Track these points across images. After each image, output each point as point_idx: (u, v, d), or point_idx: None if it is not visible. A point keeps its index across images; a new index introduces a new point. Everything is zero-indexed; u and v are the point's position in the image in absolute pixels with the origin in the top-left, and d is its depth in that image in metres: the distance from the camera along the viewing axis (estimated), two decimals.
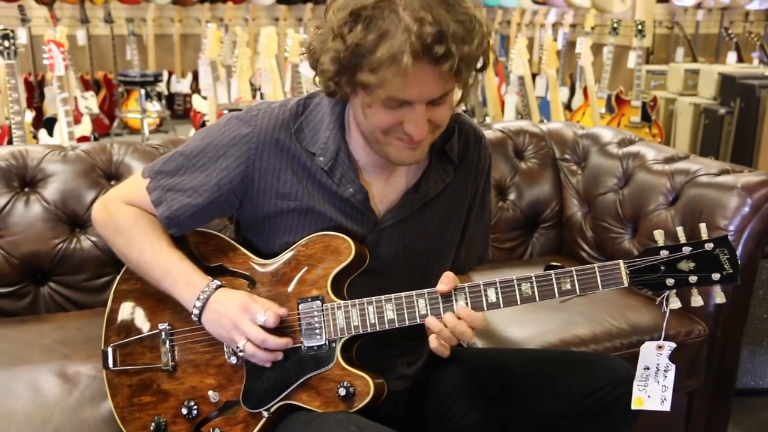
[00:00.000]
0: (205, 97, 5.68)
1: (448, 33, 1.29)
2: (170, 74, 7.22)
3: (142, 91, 6.26)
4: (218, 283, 1.52)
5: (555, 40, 6.39)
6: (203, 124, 5.28)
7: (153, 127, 6.63)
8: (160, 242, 1.57)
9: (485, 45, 1.37)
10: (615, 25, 5.62)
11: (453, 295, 1.43)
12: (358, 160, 1.54)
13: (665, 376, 1.49)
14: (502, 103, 5.24)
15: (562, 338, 2.05)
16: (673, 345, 1.48)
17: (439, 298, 1.44)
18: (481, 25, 1.36)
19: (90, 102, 6.11)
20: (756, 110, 4.55)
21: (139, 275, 1.63)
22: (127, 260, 1.62)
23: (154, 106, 6.69)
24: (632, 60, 5.45)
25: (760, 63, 6.26)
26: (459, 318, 1.43)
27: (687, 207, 2.28)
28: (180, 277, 1.54)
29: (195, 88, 7.22)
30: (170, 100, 7.15)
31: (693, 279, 1.36)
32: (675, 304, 1.37)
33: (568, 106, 6.15)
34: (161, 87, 6.94)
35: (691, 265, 1.37)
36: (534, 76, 5.66)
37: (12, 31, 3.63)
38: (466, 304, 1.42)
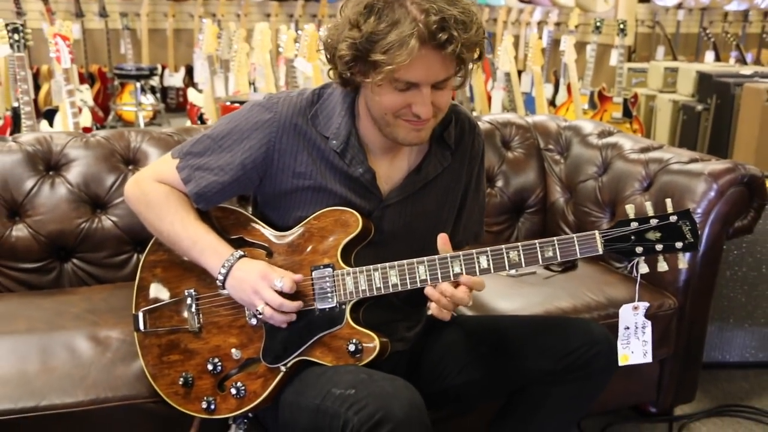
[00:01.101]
0: (201, 91, 5.75)
1: (450, 21, 1.46)
2: (163, 68, 7.26)
3: (138, 85, 6.35)
4: (241, 253, 1.67)
5: (540, 38, 6.47)
6: (200, 117, 5.42)
7: (147, 120, 6.66)
8: (189, 216, 1.72)
9: (482, 34, 1.55)
10: (598, 24, 5.69)
11: (449, 262, 1.58)
12: (367, 144, 1.69)
13: (644, 332, 1.68)
14: (489, 99, 5.33)
15: (546, 309, 2.18)
16: (647, 304, 1.66)
17: (437, 264, 1.58)
18: (477, 17, 1.55)
19: (85, 95, 6.17)
20: (731, 107, 4.64)
21: (168, 246, 1.78)
22: (158, 233, 1.76)
23: (148, 99, 6.75)
24: (614, 58, 5.55)
25: (737, 62, 6.40)
26: (457, 285, 1.58)
27: (660, 192, 2.38)
28: (207, 247, 1.69)
29: (188, 82, 7.27)
30: (164, 93, 7.21)
31: (659, 247, 1.54)
32: (644, 269, 1.55)
33: (552, 102, 6.23)
34: (155, 81, 7.04)
35: (658, 235, 1.54)
36: (520, 72, 5.73)
37: (22, 25, 3.75)
38: (461, 269, 1.56)
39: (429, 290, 1.58)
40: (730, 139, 4.66)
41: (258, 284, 1.63)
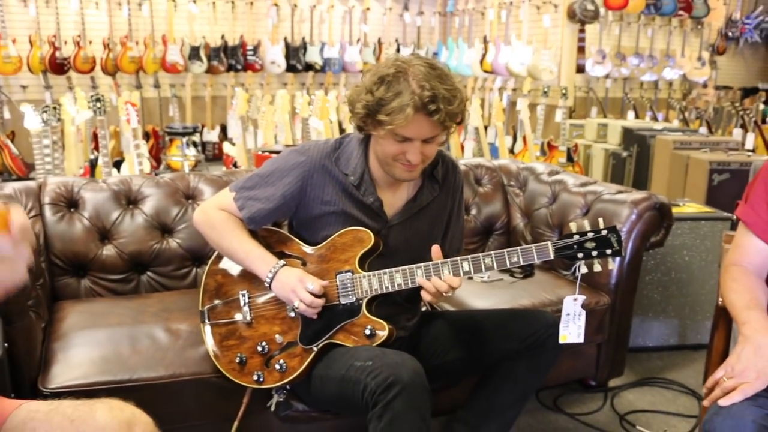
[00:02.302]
0: (234, 144, 5.81)
1: (439, 96, 1.57)
2: (203, 127, 7.25)
3: (183, 140, 6.38)
4: (283, 262, 1.75)
5: (501, 100, 6.53)
6: (235, 164, 5.48)
7: (190, 168, 6.63)
8: (243, 235, 1.80)
9: (463, 106, 1.66)
10: (545, 89, 5.70)
11: (440, 266, 1.66)
12: (376, 180, 1.79)
13: (579, 319, 1.77)
14: (462, 148, 5.44)
15: (512, 305, 2.23)
16: (584, 297, 1.76)
17: (431, 268, 1.66)
18: (461, 93, 1.66)
19: (143, 148, 6.23)
20: (647, 153, 4.70)
21: (227, 257, 1.87)
22: (219, 248, 1.85)
23: (191, 152, 6.74)
24: (559, 116, 5.52)
25: (651, 119, 6.49)
26: (442, 281, 1.66)
27: (595, 216, 2.30)
28: (257, 258, 1.77)
29: (222, 138, 7.21)
30: (203, 147, 7.22)
31: (594, 253, 1.64)
32: (583, 269, 1.65)
33: (512, 150, 6.20)
34: (196, 137, 7.07)
35: (593, 244, 1.64)
36: (486, 127, 5.76)
37: (102, 95, 3.83)
38: (449, 271, 1.65)
39: (423, 282, 1.65)
40: (648, 177, 4.70)
41: (296, 286, 1.71)
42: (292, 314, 1.77)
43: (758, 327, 1.52)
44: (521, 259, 1.65)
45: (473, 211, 2.80)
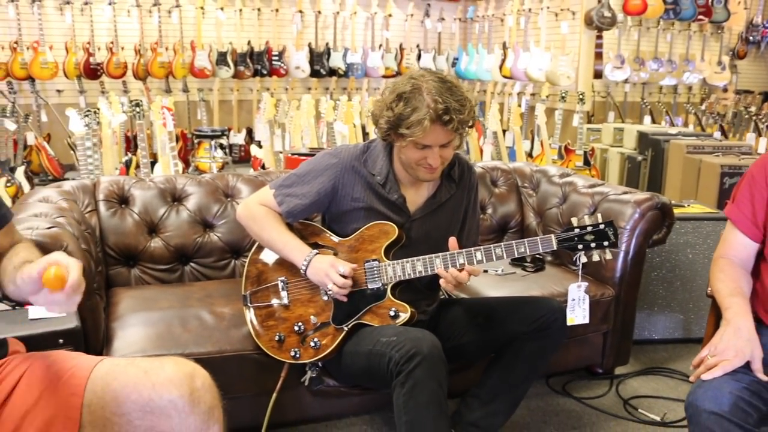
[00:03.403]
0: (261, 147, 6.06)
1: (451, 108, 1.80)
2: (229, 130, 7.45)
3: (211, 143, 6.62)
4: (316, 251, 1.98)
5: (519, 105, 6.67)
6: (262, 166, 5.74)
7: (218, 169, 6.92)
8: (281, 227, 2.04)
9: (473, 113, 1.90)
10: (563, 94, 5.81)
11: (456, 256, 1.88)
12: (400, 179, 2.01)
13: (584, 303, 1.99)
14: (481, 151, 5.65)
15: (523, 295, 2.40)
16: (587, 283, 1.99)
17: (448, 257, 1.88)
18: (470, 101, 1.89)
19: (175, 152, 6.49)
20: (662, 157, 4.84)
21: (266, 247, 2.10)
22: (260, 239, 2.08)
23: (219, 154, 6.99)
24: (576, 120, 5.69)
25: (668, 124, 6.62)
26: (460, 270, 1.88)
27: (602, 215, 2.42)
28: (294, 247, 2.00)
29: (248, 141, 7.39)
30: (230, 149, 7.43)
31: (593, 245, 1.86)
32: (583, 259, 1.87)
33: (530, 154, 6.32)
34: (223, 139, 7.31)
35: (592, 237, 1.86)
36: (504, 131, 5.89)
37: (140, 101, 4.11)
38: (464, 260, 1.87)
39: (441, 271, 1.87)
40: (662, 180, 4.83)
41: (328, 270, 1.94)
42: (325, 298, 2.01)
43: (739, 311, 1.74)
44: (528, 250, 1.87)
45: (489, 210, 3.00)
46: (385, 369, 1.79)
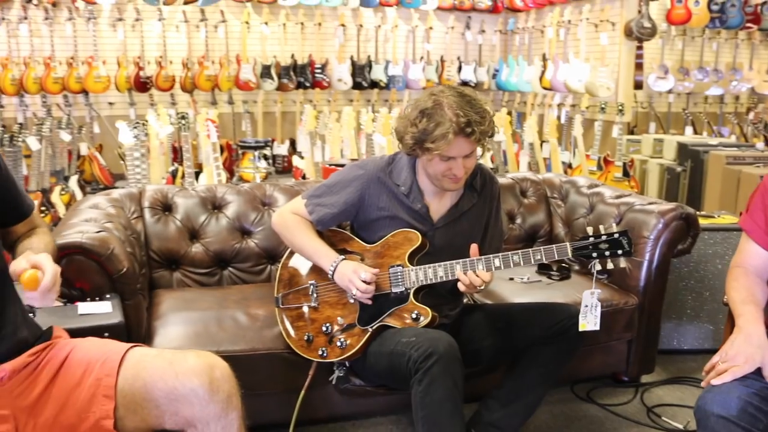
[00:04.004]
0: (303, 158, 6.24)
1: (472, 120, 1.91)
2: (273, 141, 7.53)
3: (255, 153, 6.82)
4: (343, 257, 2.11)
5: (558, 117, 6.78)
6: (303, 176, 5.91)
7: (261, 179, 7.14)
8: (312, 234, 2.18)
9: (492, 124, 2.01)
10: (603, 106, 5.80)
11: (475, 262, 1.99)
12: (423, 189, 2.13)
13: (596, 310, 2.06)
14: (518, 162, 5.72)
15: (542, 302, 2.40)
16: (599, 291, 2.06)
17: (467, 263, 1.99)
18: (489, 113, 1.98)
19: (219, 162, 6.70)
20: (701, 168, 4.83)
21: (298, 253, 2.24)
22: (291, 245, 2.22)
23: (262, 164, 7.18)
24: (615, 131, 5.68)
25: (715, 135, 6.54)
26: (477, 276, 1.98)
27: (626, 224, 2.66)
28: (322, 253, 2.13)
29: (291, 152, 7.50)
30: (273, 160, 7.58)
31: (607, 253, 1.94)
32: (598, 267, 1.95)
33: (570, 165, 6.32)
34: (267, 150, 7.49)
35: (606, 245, 1.94)
36: (542, 142, 5.90)
37: (186, 113, 4.33)
38: (483, 267, 1.97)
39: (460, 274, 1.98)
40: (701, 191, 4.81)
41: (352, 276, 2.06)
42: (352, 300, 2.13)
43: (750, 319, 1.80)
44: (544, 257, 1.97)
45: (518, 220, 3.09)
46: (405, 367, 1.91)
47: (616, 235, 1.96)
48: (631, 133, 6.97)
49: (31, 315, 1.65)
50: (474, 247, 2.02)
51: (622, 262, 1.96)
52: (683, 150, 5.20)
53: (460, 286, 2.00)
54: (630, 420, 2.54)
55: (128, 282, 2.15)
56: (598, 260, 1.97)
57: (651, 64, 6.95)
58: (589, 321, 2.06)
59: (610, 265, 1.97)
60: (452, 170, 2.00)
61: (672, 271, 2.93)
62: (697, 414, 1.72)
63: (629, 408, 2.63)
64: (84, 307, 1.96)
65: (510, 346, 2.18)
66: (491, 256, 2.00)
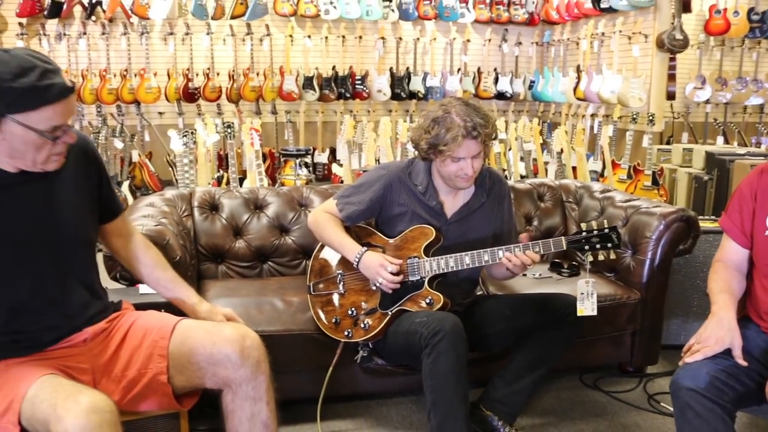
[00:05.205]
0: (341, 165, 6.59)
1: (478, 123, 2.21)
2: (314, 150, 7.85)
3: (297, 161, 7.15)
4: (366, 248, 2.41)
5: (591, 127, 6.94)
6: (341, 182, 6.25)
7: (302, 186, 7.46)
8: (339, 230, 2.49)
9: (495, 127, 2.30)
10: (634, 116, 5.96)
11: (482, 254, 2.28)
12: (438, 188, 2.43)
13: (592, 297, 2.33)
14: (546, 170, 5.91)
15: (545, 292, 2.66)
16: (593, 279, 2.34)
17: (475, 255, 2.28)
18: (491, 118, 2.29)
19: (261, 169, 7.11)
20: (727, 177, 5.01)
21: (327, 246, 2.56)
22: (321, 239, 2.54)
23: (303, 172, 7.51)
24: (645, 141, 5.85)
25: (754, 145, 6.58)
26: (525, 256, 2.25)
27: (632, 225, 2.91)
28: (349, 246, 2.44)
29: (331, 160, 7.79)
30: (314, 167, 7.77)
31: (598, 246, 2.23)
32: (589, 258, 2.25)
33: (601, 174, 6.38)
34: (308, 159, 7.83)
35: (597, 239, 2.23)
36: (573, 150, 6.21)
37: (232, 123, 4.71)
38: (488, 257, 2.26)
39: (509, 255, 2.26)
40: (727, 199, 4.88)
41: (380, 269, 2.36)
42: (374, 288, 2.45)
43: (723, 306, 2.07)
44: (542, 249, 2.27)
45: (535, 223, 3.36)
46: (417, 344, 2.21)
47: (607, 230, 2.24)
48: (668, 143, 7.16)
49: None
50: (524, 235, 2.33)
51: (613, 254, 2.24)
52: (710, 159, 5.38)
53: (507, 263, 2.27)
54: (630, 405, 2.80)
55: (181, 268, 2.49)
56: (590, 252, 2.24)
57: (688, 74, 7.10)
58: (587, 307, 2.33)
59: (601, 257, 2.24)
60: (463, 170, 2.31)
61: (679, 270, 3.19)
62: (672, 387, 2.00)
63: (631, 395, 2.89)
64: (143, 288, 2.33)
65: (515, 331, 2.46)
66: (495, 248, 2.31)
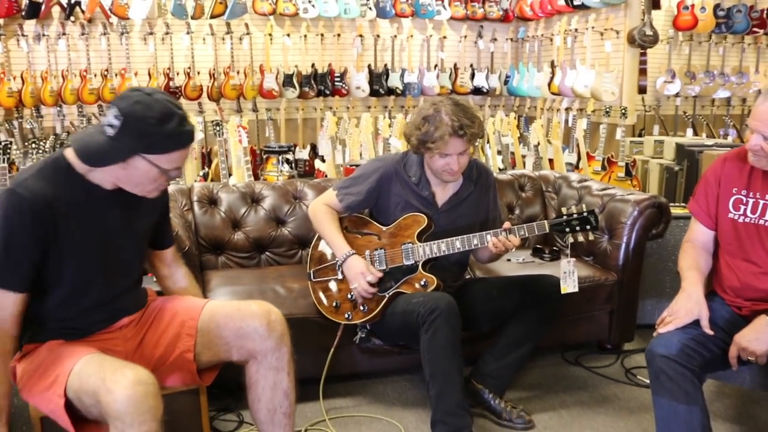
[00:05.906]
0: (324, 161, 6.74)
1: (465, 124, 2.41)
2: (295, 146, 7.90)
3: (278, 158, 7.29)
4: (353, 252, 2.58)
5: (566, 121, 7.18)
6: (325, 176, 6.40)
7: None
8: (333, 225, 2.66)
9: (482, 127, 2.51)
10: (607, 110, 6.13)
11: (471, 238, 2.47)
12: (429, 180, 2.62)
13: (573, 275, 2.54)
14: (524, 162, 6.12)
15: (529, 274, 2.84)
16: (574, 259, 2.55)
17: (465, 239, 2.47)
18: (479, 118, 2.48)
19: (249, 165, 7.17)
20: (697, 167, 5.24)
21: (323, 238, 2.75)
22: (317, 230, 2.71)
23: (285, 168, 7.64)
24: (618, 134, 6.04)
25: (722, 137, 6.86)
26: (508, 240, 2.44)
27: (608, 212, 3.12)
28: (339, 245, 2.62)
29: (312, 156, 7.92)
30: (295, 163, 7.77)
31: (577, 228, 2.45)
32: (569, 240, 2.46)
33: (576, 165, 6.52)
34: (289, 155, 7.94)
35: (577, 221, 2.44)
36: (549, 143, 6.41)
37: (220, 121, 4.87)
38: (478, 242, 2.47)
39: (494, 240, 2.46)
40: None
41: (359, 273, 2.54)
42: (349, 297, 2.62)
43: (692, 281, 2.30)
44: (527, 232, 2.49)
45: (516, 212, 3.56)
46: (414, 322, 2.41)
47: (585, 214, 2.46)
48: (640, 135, 7.39)
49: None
50: (507, 224, 2.51)
51: (591, 235, 2.46)
52: (681, 150, 5.61)
53: (492, 248, 2.46)
54: (609, 378, 3.03)
55: (190, 258, 2.69)
56: (570, 234, 2.46)
57: (658, 69, 7.38)
58: (569, 284, 2.55)
59: (580, 238, 2.46)
60: (449, 165, 2.51)
61: (652, 254, 3.41)
62: (647, 356, 2.22)
63: (609, 370, 3.12)
64: None
65: (502, 310, 2.67)
66: (484, 233, 2.52)
